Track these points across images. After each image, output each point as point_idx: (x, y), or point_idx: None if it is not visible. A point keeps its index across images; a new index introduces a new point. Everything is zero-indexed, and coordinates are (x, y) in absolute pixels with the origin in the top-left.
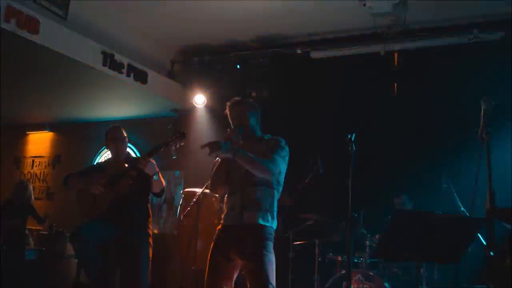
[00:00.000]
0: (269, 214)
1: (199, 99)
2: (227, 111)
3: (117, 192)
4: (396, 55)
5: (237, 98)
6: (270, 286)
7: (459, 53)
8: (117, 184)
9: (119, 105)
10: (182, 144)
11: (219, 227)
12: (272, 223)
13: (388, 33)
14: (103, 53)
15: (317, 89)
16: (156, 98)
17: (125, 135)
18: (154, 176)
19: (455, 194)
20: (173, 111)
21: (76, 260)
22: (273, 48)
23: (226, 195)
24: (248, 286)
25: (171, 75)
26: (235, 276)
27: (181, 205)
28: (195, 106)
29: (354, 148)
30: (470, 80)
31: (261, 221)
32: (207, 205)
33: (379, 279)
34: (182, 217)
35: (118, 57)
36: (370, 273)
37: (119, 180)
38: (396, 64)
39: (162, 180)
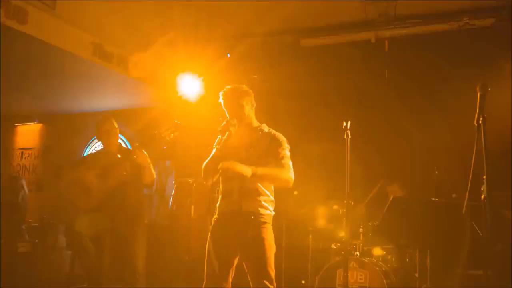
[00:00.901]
0: (267, 202)
1: (189, 88)
2: (221, 100)
3: (110, 183)
4: (386, 42)
5: (230, 86)
6: (270, 271)
7: (450, 40)
8: (110, 176)
9: (108, 95)
10: (176, 134)
11: (215, 216)
12: (270, 210)
13: (378, 21)
14: (93, 43)
15: (307, 77)
16: (145, 89)
17: (116, 126)
18: (145, 168)
19: (447, 181)
20: (164, 102)
21: (70, 252)
22: (263, 36)
23: (220, 182)
24: (247, 272)
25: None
26: (234, 264)
27: (173, 195)
28: (185, 96)
29: (349, 135)
30: (461, 67)
31: (260, 209)
32: (199, 195)
33: (373, 266)
34: (174, 207)
35: (107, 47)
36: (364, 260)
37: (112, 172)
38: (387, 51)
39: (153, 171)
